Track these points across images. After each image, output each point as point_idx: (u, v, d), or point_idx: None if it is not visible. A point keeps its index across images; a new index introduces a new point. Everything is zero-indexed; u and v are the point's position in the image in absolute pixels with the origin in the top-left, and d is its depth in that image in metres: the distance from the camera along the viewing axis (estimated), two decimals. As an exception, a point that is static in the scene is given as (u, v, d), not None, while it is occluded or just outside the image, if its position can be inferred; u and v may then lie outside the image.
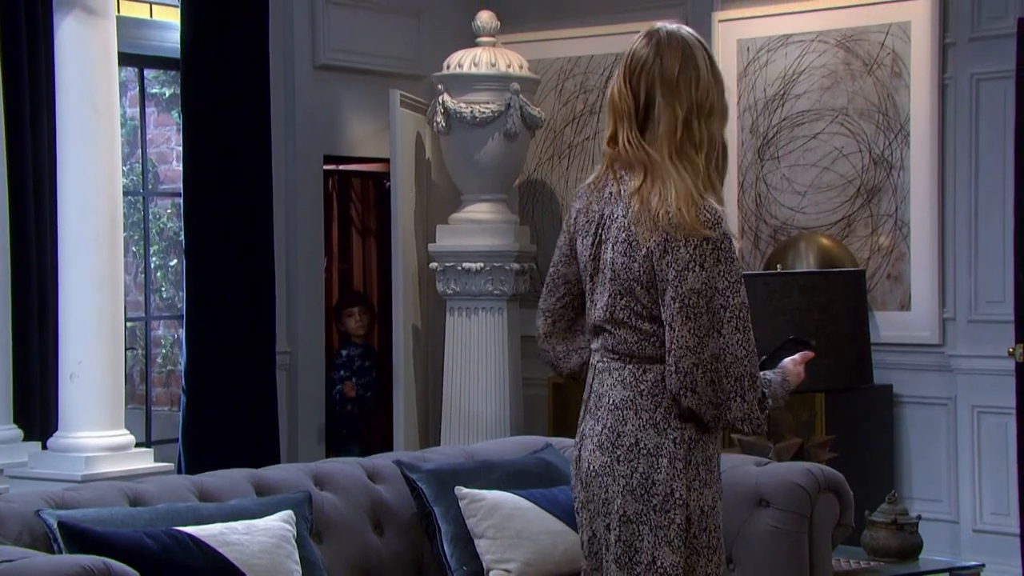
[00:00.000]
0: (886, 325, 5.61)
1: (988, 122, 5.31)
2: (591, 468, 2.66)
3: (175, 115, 6.15)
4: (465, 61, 5.85)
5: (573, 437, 4.28)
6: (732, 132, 6.03)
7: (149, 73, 5.95)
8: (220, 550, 3.09)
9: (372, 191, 6.61)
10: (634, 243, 2.59)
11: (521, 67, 5.92)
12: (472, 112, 5.76)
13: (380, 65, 6.18)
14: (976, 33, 5.35)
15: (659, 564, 2.57)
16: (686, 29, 2.70)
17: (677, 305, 2.54)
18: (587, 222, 2.72)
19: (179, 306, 5.75)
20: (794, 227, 5.87)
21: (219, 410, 5.19)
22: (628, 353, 2.65)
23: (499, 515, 3.69)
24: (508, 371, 5.85)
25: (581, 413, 2.75)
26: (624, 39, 6.22)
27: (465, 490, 3.72)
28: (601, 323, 2.69)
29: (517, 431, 5.78)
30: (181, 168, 5.33)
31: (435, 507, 3.72)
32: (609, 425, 2.64)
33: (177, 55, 5.26)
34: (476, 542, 3.67)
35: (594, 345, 2.74)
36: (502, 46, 6.00)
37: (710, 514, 2.63)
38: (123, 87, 5.41)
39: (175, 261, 6.36)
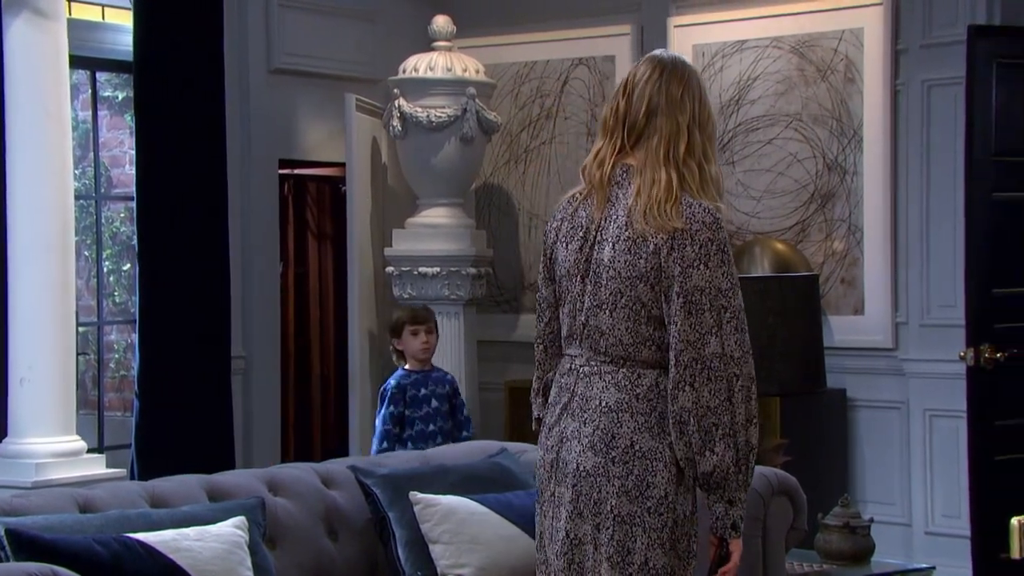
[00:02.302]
0: (840, 329, 5.65)
1: (939, 128, 5.36)
2: (581, 468, 2.67)
3: (128, 118, 6.11)
4: (421, 65, 5.85)
5: (530, 442, 4.31)
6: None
7: (101, 76, 5.90)
8: (171, 556, 3.06)
9: (328, 195, 6.58)
10: (639, 240, 2.64)
11: (477, 71, 5.92)
12: (428, 116, 5.76)
13: (335, 69, 6.17)
14: (927, 40, 5.40)
15: (651, 565, 2.61)
16: (683, 57, 2.84)
17: (681, 300, 2.60)
18: (572, 228, 2.76)
19: (132, 311, 5.70)
20: (749, 232, 5.90)
21: (173, 415, 5.15)
22: (622, 356, 2.68)
23: (454, 520, 3.68)
24: (464, 375, 5.84)
25: (554, 414, 2.76)
26: (579, 44, 6.36)
27: (420, 495, 3.72)
28: (594, 324, 2.70)
29: (474, 436, 5.77)
30: (134, 172, 5.29)
31: (389, 512, 3.71)
32: (602, 427, 2.66)
33: (130, 58, 5.22)
34: (431, 547, 3.66)
35: (574, 351, 2.76)
36: (458, 51, 6.00)
37: (691, 519, 2.67)
38: (75, 90, 5.36)
39: (128, 265, 6.31)
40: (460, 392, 5.31)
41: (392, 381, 5.16)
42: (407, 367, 5.20)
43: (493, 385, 6.25)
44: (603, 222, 2.71)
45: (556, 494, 2.73)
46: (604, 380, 2.68)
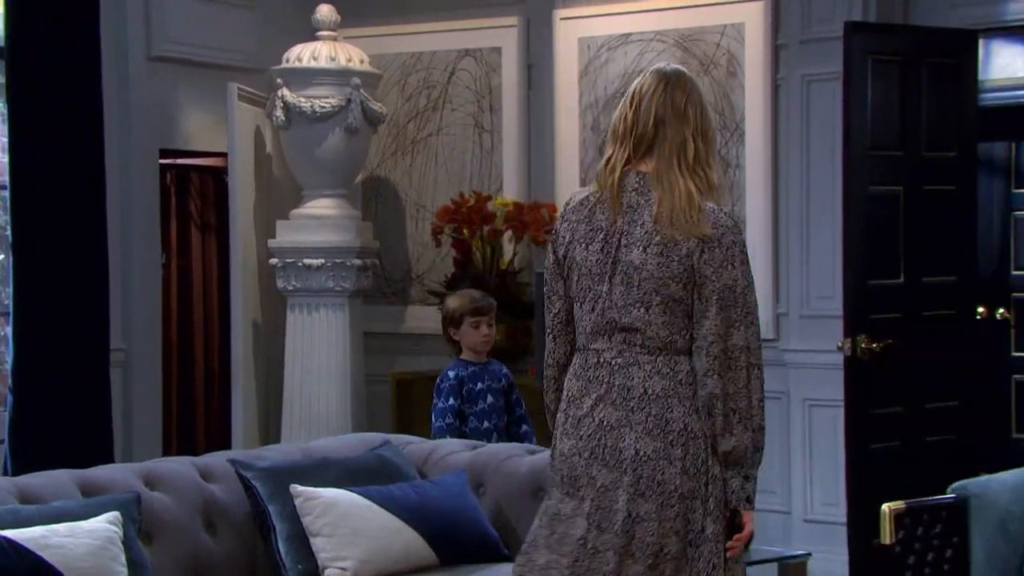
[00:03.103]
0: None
1: (818, 122, 5.46)
2: (641, 454, 2.89)
3: (0, 106, 5.95)
4: (305, 55, 5.79)
5: (416, 434, 4.29)
6: (574, 130, 6.10)
7: (-27, 62, 5.74)
8: (40, 554, 3.00)
9: (212, 186, 6.48)
10: (670, 244, 2.90)
11: (362, 61, 5.87)
12: (312, 107, 5.70)
13: (218, 58, 6.07)
14: (806, 35, 5.49)
15: (707, 533, 2.89)
16: (683, 69, 3.08)
17: (715, 298, 2.89)
18: (591, 230, 2.99)
19: (6, 303, 5.56)
20: (634, 224, 5.94)
21: (48, 410, 5.04)
22: (659, 347, 2.93)
23: (335, 513, 3.66)
24: (350, 368, 5.80)
25: (585, 405, 2.96)
26: (466, 35, 6.35)
27: (301, 488, 3.69)
28: (628, 321, 2.93)
29: (359, 428, 5.74)
30: (7, 161, 5.15)
31: (270, 506, 3.67)
32: (655, 414, 2.90)
33: (1, 43, 5.08)
34: (312, 540, 3.64)
35: (600, 344, 2.97)
36: (343, 40, 5.95)
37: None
38: (-54, 76, 5.21)
39: (1, 256, 6.15)
40: (515, 388, 4.94)
41: (450, 372, 4.80)
42: (463, 358, 4.85)
43: (380, 377, 6.22)
44: (626, 226, 2.95)
45: (598, 478, 2.92)
46: (644, 369, 2.93)
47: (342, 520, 3.65)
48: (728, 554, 2.90)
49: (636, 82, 3.02)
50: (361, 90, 5.77)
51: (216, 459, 3.83)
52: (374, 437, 4.22)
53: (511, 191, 6.17)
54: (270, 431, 5.96)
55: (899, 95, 5.14)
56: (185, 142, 6.10)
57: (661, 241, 2.91)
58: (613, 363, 2.95)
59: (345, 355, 5.78)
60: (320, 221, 5.84)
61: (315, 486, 3.71)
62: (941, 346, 5.25)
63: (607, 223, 2.97)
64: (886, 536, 3.39)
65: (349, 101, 5.73)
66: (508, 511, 3.86)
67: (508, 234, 6.01)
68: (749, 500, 2.91)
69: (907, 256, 5.23)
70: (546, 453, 4.01)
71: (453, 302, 4.97)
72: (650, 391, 2.91)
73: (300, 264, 5.79)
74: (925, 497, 3.53)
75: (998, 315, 6.96)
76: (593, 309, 2.97)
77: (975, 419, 5.51)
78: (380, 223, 6.40)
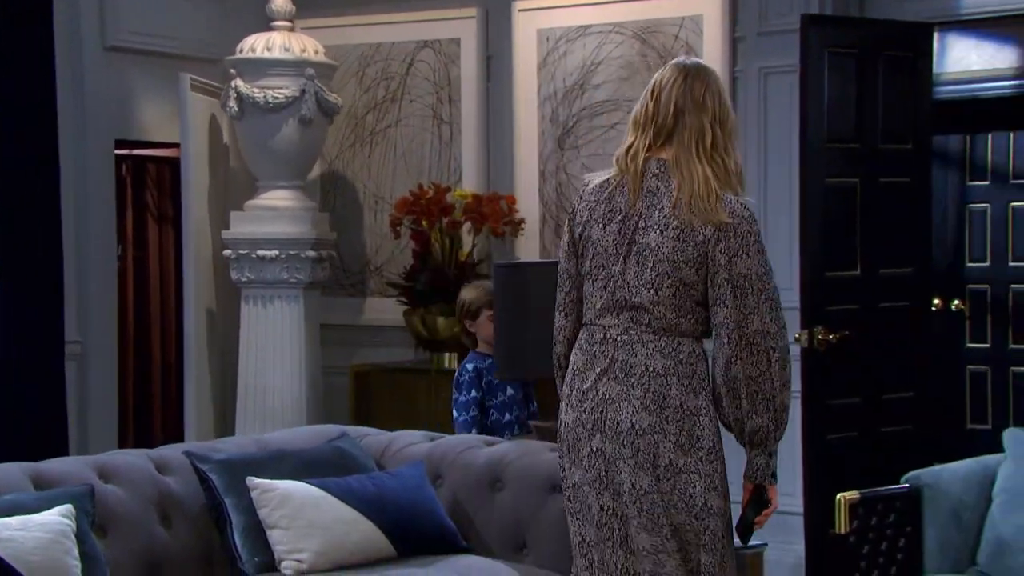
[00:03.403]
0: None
1: (775, 114, 5.48)
2: (636, 427, 3.03)
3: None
4: (259, 45, 5.75)
5: (375, 426, 4.28)
6: (533, 122, 6.09)
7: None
8: (-9, 547, 2.97)
9: (168, 177, 6.44)
10: (687, 230, 3.02)
11: (317, 52, 5.84)
12: (265, 97, 5.66)
13: (174, 48, 6.02)
14: (763, 28, 5.51)
15: (711, 506, 3.03)
16: (702, 61, 3.23)
17: (729, 286, 3.00)
18: (610, 211, 3.11)
19: (-40, 295, 5.50)
20: (593, 216, 5.94)
21: (2, 403, 5.00)
22: (665, 328, 3.05)
23: (291, 505, 3.64)
24: (305, 360, 5.77)
25: (589, 379, 3.09)
26: (425, 26, 6.32)
27: (257, 480, 3.67)
28: (637, 300, 3.06)
29: (317, 420, 5.72)
30: (-40, 152, 5.10)
31: (226, 498, 3.65)
32: (653, 390, 3.03)
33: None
34: (268, 533, 3.62)
35: (608, 321, 3.09)
36: (300, 31, 5.92)
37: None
38: None
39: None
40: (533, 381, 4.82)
41: (468, 366, 4.71)
42: (480, 351, 4.76)
43: (339, 369, 6.20)
44: (645, 210, 3.06)
45: (602, 449, 3.06)
46: (647, 348, 3.05)
47: (298, 512, 3.63)
48: (756, 528, 3.13)
49: (657, 74, 3.16)
50: (315, 81, 5.74)
51: (171, 451, 3.81)
52: (331, 429, 4.21)
53: (470, 183, 6.16)
54: (226, 424, 5.93)
55: (855, 88, 5.16)
56: (141, 133, 6.05)
57: (678, 226, 3.02)
58: (618, 339, 3.07)
59: (300, 347, 5.75)
60: (275, 212, 5.81)
61: (272, 478, 3.69)
62: (897, 338, 5.28)
63: (626, 205, 3.09)
64: (841, 526, 3.42)
65: (303, 92, 5.69)
66: (466, 503, 3.87)
67: (467, 226, 6.00)
68: (774, 476, 3.11)
69: (864, 248, 5.25)
70: (504, 444, 4.03)
71: (469, 294, 4.89)
72: (651, 368, 3.04)
73: (254, 256, 5.76)
74: (881, 487, 3.55)
75: (953, 307, 7.02)
76: (605, 287, 3.10)
77: (931, 410, 5.55)
78: (338, 215, 6.38)
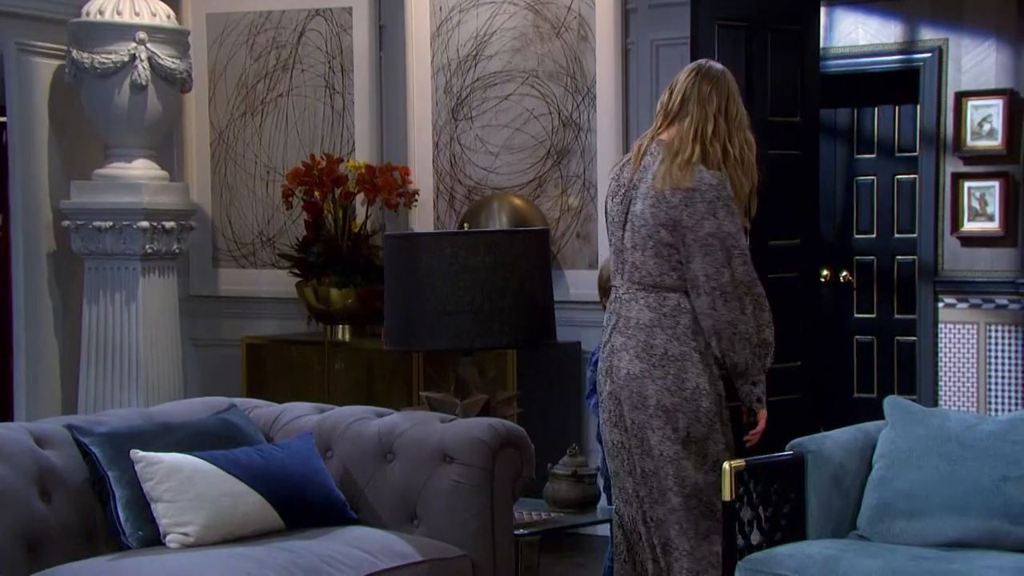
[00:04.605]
0: (575, 283, 5.77)
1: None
2: (630, 373, 3.56)
3: None
4: (92, 9, 5.59)
5: (268, 399, 4.25)
6: (427, 92, 6.06)
7: None
8: None
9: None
10: (661, 198, 3.51)
11: (154, 15, 5.66)
12: (93, 63, 5.51)
13: (11, 6, 5.73)
14: (655, 0, 5.53)
15: (692, 435, 3.52)
16: (720, 65, 3.66)
17: (697, 246, 3.48)
18: (617, 186, 3.66)
19: None
20: (488, 187, 5.94)
21: None
22: (651, 284, 3.55)
23: (178, 478, 3.59)
24: (171, 331, 5.65)
25: (607, 333, 3.64)
26: (315, -6, 6.23)
27: (141, 453, 3.61)
28: (631, 261, 3.57)
29: (193, 393, 5.63)
30: None
31: (109, 471, 3.58)
32: (642, 340, 3.55)
33: None
34: (153, 506, 3.56)
35: (618, 282, 3.64)
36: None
37: (721, 401, 3.57)
38: None
39: None
40: None
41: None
42: None
43: (230, 342, 6.13)
44: (638, 182, 3.58)
45: (612, 392, 3.61)
46: (639, 303, 3.57)
47: (185, 485, 3.58)
48: (747, 445, 3.59)
49: (677, 75, 3.65)
50: (147, 44, 5.58)
51: (51, 424, 3.72)
52: (219, 401, 4.14)
53: (363, 153, 6.12)
54: (68, 399, 5.79)
55: (745, 61, 5.21)
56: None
57: (655, 194, 3.52)
58: (623, 297, 3.61)
59: (137, 320, 5.61)
60: (117, 182, 5.67)
61: (157, 451, 3.63)
62: (786, 308, 5.34)
63: (627, 180, 3.62)
64: (727, 492, 3.46)
65: (133, 57, 5.55)
66: (356, 474, 3.84)
67: (360, 197, 5.96)
68: (759, 400, 3.58)
69: (753, 219, 5.31)
70: (395, 415, 4.01)
71: (606, 272, 4.85)
72: (641, 321, 3.55)
73: (91, 226, 5.63)
74: (766, 455, 3.60)
75: (841, 278, 7.15)
76: (615, 252, 3.65)
77: (819, 380, 5.64)
78: (229, 185, 6.29)
